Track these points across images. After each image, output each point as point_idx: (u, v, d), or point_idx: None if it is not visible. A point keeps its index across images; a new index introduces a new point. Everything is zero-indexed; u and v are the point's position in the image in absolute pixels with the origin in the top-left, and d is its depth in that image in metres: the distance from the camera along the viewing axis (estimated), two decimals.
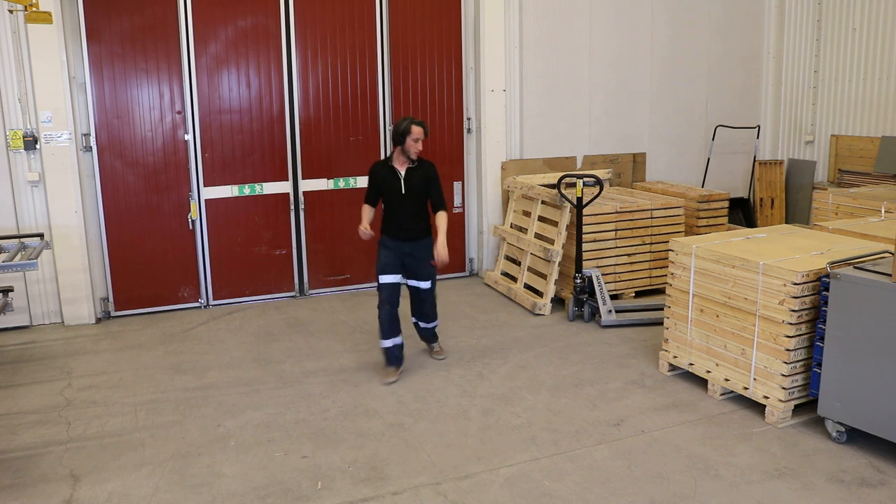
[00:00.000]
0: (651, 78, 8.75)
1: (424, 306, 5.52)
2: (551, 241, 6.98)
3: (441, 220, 5.31)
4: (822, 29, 8.88)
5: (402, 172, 5.24)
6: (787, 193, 9.40)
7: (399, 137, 5.15)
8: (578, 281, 6.52)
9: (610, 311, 6.39)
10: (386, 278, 5.28)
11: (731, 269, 4.76)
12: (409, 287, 5.47)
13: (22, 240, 5.61)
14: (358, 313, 6.94)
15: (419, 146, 5.16)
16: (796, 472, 4.03)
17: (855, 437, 4.32)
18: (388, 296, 5.29)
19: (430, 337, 5.77)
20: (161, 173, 6.95)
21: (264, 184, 7.28)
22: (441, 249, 5.21)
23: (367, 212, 5.41)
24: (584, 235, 6.72)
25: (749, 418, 4.66)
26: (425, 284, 5.41)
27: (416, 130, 5.12)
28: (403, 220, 5.27)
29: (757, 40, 9.35)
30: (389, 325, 5.30)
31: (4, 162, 6.45)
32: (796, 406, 4.58)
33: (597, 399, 5.00)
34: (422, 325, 5.67)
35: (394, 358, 5.39)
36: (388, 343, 5.34)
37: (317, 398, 5.09)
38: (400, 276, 5.35)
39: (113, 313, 6.98)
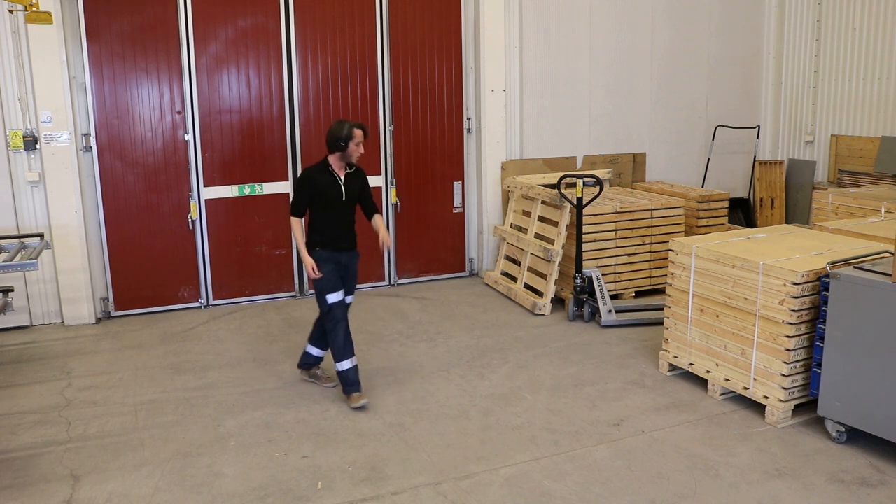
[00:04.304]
0: (651, 78, 8.75)
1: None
2: (551, 241, 6.98)
3: (381, 219, 5.13)
4: (822, 29, 8.88)
5: (342, 178, 4.92)
6: (787, 193, 9.41)
7: (342, 143, 4.80)
8: (578, 281, 6.53)
9: (610, 311, 6.39)
10: (336, 297, 4.93)
11: (731, 269, 4.76)
12: None
13: (22, 240, 5.62)
14: (356, 313, 6.93)
15: (361, 150, 4.85)
16: (796, 472, 4.03)
17: (855, 437, 4.32)
18: (344, 314, 4.98)
19: (314, 363, 5.34)
20: (161, 173, 6.95)
21: (264, 184, 7.28)
22: (385, 235, 5.04)
23: (300, 227, 5.02)
24: (584, 235, 6.72)
25: (749, 418, 4.66)
26: (351, 298, 5.11)
27: (358, 133, 4.81)
28: (342, 229, 4.96)
29: (757, 40, 9.35)
30: (348, 343, 4.97)
31: (4, 162, 6.45)
32: (796, 406, 4.58)
33: (597, 399, 5.00)
34: (319, 351, 5.26)
35: (355, 382, 4.99)
36: (348, 364, 4.95)
37: (317, 398, 5.09)
38: (343, 291, 5.01)
39: (113, 313, 6.98)
